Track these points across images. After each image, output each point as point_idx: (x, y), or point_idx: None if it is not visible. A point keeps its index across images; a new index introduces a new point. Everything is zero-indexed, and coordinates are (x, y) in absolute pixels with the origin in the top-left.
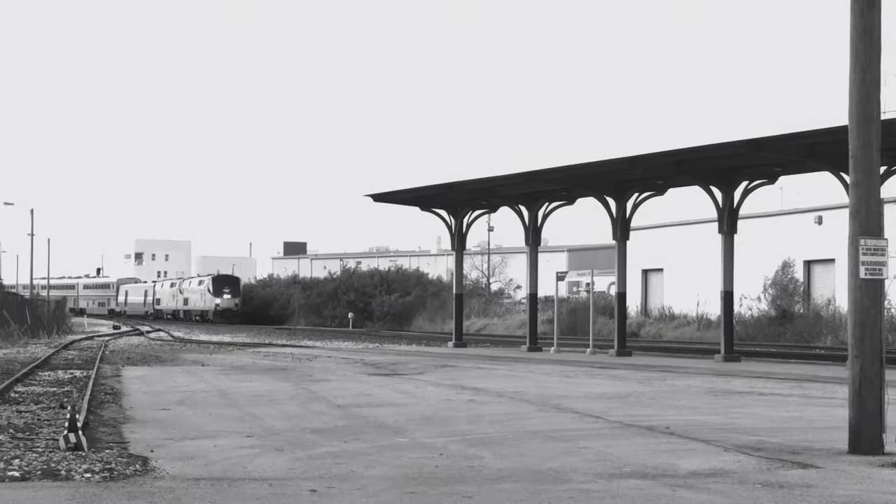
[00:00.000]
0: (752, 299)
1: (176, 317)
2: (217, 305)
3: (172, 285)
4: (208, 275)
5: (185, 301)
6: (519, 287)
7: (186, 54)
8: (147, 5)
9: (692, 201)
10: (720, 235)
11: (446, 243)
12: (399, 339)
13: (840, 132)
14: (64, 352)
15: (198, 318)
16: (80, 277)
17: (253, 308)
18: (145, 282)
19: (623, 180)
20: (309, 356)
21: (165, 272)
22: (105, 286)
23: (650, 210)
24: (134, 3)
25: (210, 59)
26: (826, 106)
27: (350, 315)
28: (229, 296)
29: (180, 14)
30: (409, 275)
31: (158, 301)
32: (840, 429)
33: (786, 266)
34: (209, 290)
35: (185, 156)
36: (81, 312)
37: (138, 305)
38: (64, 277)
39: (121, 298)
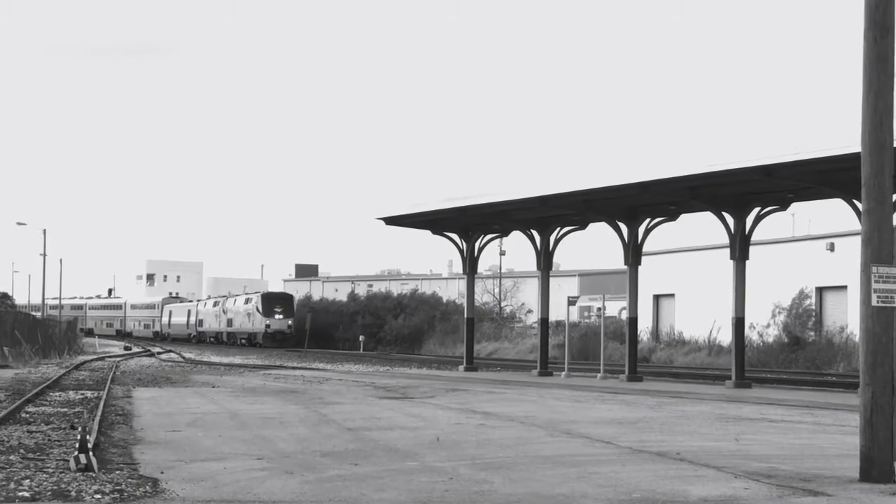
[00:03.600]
0: (762, 326)
1: (219, 340)
2: (268, 327)
3: (215, 304)
4: (256, 292)
5: (230, 322)
6: (530, 311)
7: (198, 75)
8: (162, 28)
9: (705, 227)
10: (732, 261)
11: (458, 267)
12: (410, 363)
13: (853, 159)
14: (75, 372)
15: (244, 341)
16: (126, 297)
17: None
18: (189, 301)
19: (635, 206)
20: (319, 379)
21: (177, 293)
22: (151, 306)
23: (662, 235)
24: (148, 25)
25: (222, 81)
26: (840, 130)
27: (361, 338)
28: (282, 316)
29: (189, 34)
30: (426, 298)
31: (201, 322)
32: (851, 456)
33: (802, 295)
34: (258, 310)
35: (196, 177)
36: (129, 335)
37: (181, 327)
38: (109, 297)
39: (164, 320)
